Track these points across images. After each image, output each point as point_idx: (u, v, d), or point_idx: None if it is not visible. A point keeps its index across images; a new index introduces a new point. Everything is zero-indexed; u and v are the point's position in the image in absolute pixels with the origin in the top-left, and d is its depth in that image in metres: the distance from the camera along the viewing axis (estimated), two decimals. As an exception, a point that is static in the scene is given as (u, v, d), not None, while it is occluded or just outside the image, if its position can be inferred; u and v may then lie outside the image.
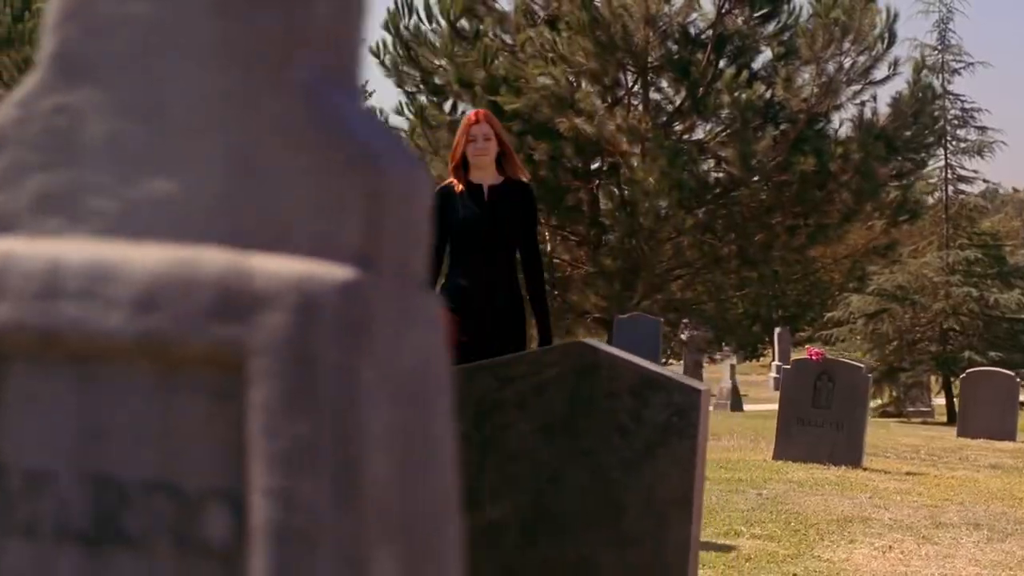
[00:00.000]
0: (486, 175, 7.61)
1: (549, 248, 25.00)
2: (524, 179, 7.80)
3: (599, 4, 22.67)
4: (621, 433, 4.92)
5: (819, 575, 7.48)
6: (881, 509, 9.93)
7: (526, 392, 4.92)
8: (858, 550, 8.31)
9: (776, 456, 12.86)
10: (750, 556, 7.85)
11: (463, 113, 24.28)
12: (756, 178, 23.29)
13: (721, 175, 23.71)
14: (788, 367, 12.77)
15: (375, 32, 25.02)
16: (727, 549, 8.07)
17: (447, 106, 24.68)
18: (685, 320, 28.30)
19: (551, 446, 4.92)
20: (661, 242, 23.39)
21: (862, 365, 13.15)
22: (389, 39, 24.82)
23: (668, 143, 22.52)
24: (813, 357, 12.92)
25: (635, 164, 22.68)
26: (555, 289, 24.76)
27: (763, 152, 22.71)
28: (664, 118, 23.83)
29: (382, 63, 24.93)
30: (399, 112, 24.91)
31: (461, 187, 7.56)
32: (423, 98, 24.74)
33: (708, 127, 24.07)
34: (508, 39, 24.03)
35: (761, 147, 22.65)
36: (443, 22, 24.12)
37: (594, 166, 24.14)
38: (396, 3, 25.04)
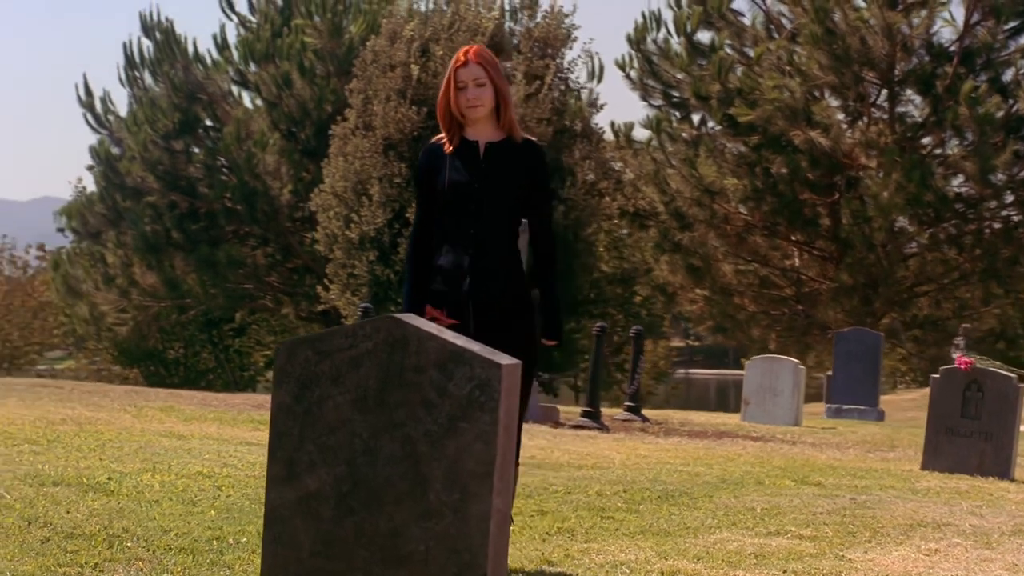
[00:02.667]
0: (483, 130, 6.16)
1: (796, 262, 24.79)
2: (532, 138, 6.28)
3: (836, 18, 22.41)
4: (427, 407, 5.03)
5: (820, 572, 7.35)
6: (973, 517, 9.65)
7: (343, 365, 5.06)
8: (896, 552, 8.13)
9: (924, 467, 12.55)
10: (765, 554, 7.74)
11: (702, 126, 24.31)
12: (997, 192, 22.65)
13: (963, 190, 23.16)
14: (937, 376, 12.45)
15: (621, 46, 25.21)
16: (750, 547, 7.98)
17: (695, 119, 24.74)
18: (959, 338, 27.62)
19: (365, 418, 5.05)
20: (900, 258, 22.95)
21: (1012, 375, 12.72)
22: (635, 53, 25.01)
23: (908, 157, 22.10)
24: (962, 366, 12.56)
25: (873, 178, 22.33)
26: (799, 303, 24.57)
27: (1004, 166, 22.10)
28: (909, 132, 23.39)
29: (628, 76, 25.13)
30: (645, 126, 25.02)
31: (453, 144, 6.15)
32: (664, 111, 24.85)
33: (954, 141, 23.53)
34: (745, 51, 23.94)
35: (1002, 161, 22.04)
36: (681, 36, 24.17)
37: (832, 180, 23.81)
38: (644, 17, 25.25)
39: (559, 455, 11.76)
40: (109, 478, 8.36)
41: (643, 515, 8.53)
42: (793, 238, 24.19)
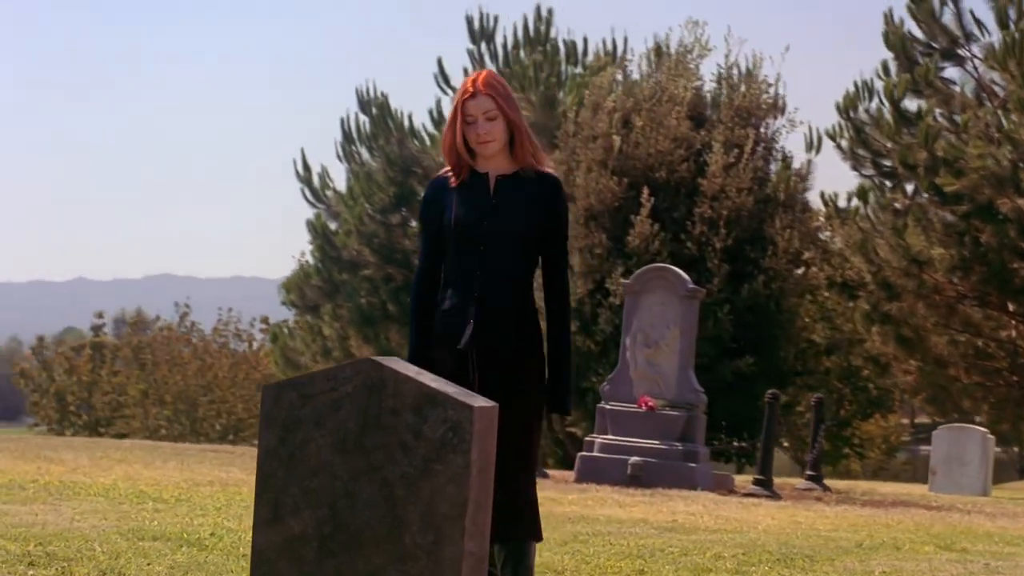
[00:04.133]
0: (495, 163, 5.69)
1: (1012, 333, 24.10)
2: (547, 170, 5.77)
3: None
4: (403, 449, 5.01)
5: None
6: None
7: (324, 408, 5.07)
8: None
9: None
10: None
11: (915, 195, 23.85)
12: None
13: None
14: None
15: (831, 115, 24.93)
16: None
17: (904, 188, 24.31)
18: None
19: (345, 461, 5.05)
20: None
21: None
22: (845, 122, 24.70)
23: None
24: None
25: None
26: (1015, 375, 23.88)
27: None
28: None
29: (838, 146, 24.83)
30: (855, 195, 24.62)
31: (460, 178, 5.72)
32: (873, 180, 24.48)
33: None
34: (953, 119, 23.45)
35: None
36: (889, 104, 23.79)
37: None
38: (855, 86, 24.95)
39: (706, 520, 11.58)
40: (212, 534, 8.46)
41: (746, 576, 8.36)
42: (1010, 307, 23.52)
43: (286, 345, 31.77)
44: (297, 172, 30.79)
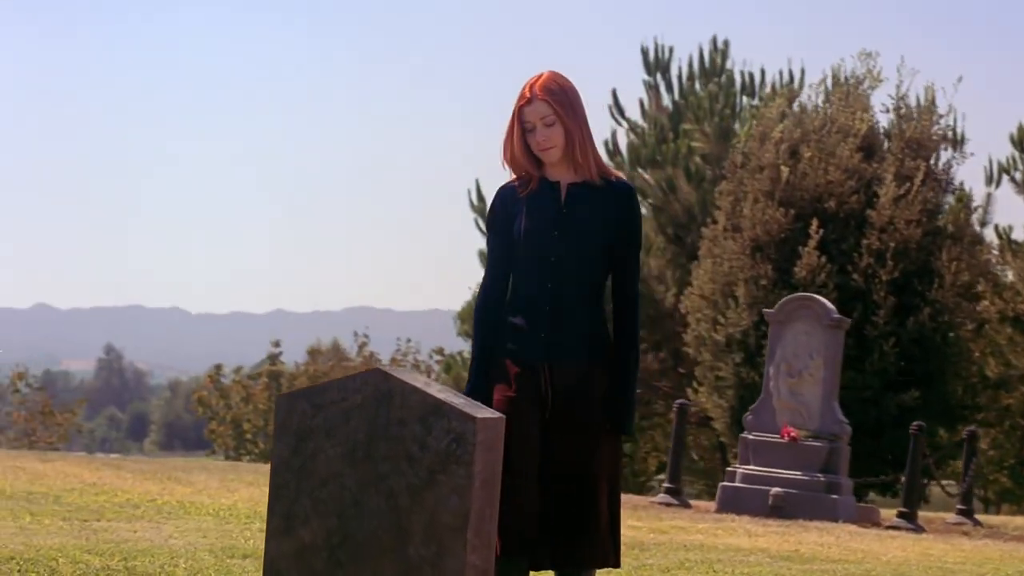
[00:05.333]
0: (563, 171, 5.47)
1: None
2: (620, 176, 5.58)
3: None
4: (409, 460, 5.01)
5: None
6: None
7: (335, 418, 5.09)
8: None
9: None
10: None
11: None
12: None
13: None
14: None
15: (1006, 147, 24.42)
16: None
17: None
18: None
19: (354, 472, 5.06)
20: None
21: None
22: (1019, 155, 24.19)
23: None
24: None
25: None
26: None
27: None
28: None
29: (1012, 179, 24.33)
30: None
31: (529, 187, 5.49)
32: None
33: None
34: None
35: None
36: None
37: None
38: (1032, 117, 24.43)
39: (831, 551, 11.38)
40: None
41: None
42: None
43: (459, 375, 31.92)
44: (471, 202, 30.95)
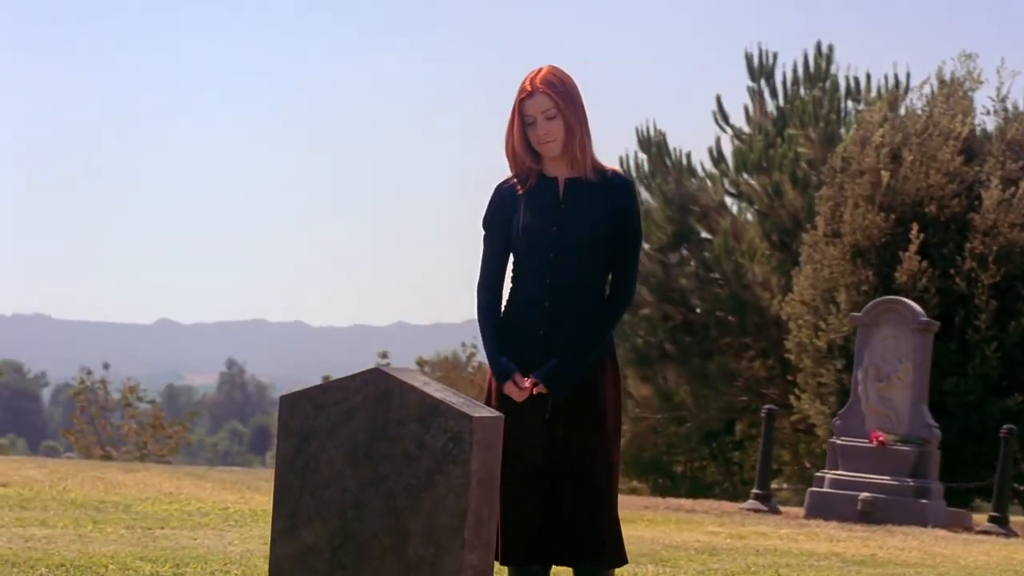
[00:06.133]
0: (562, 166, 5.43)
1: None
2: (618, 170, 5.52)
3: None
4: (408, 460, 5.00)
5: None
6: None
7: (336, 418, 5.09)
8: None
9: None
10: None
11: None
12: None
13: None
14: None
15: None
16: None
17: None
18: None
19: (355, 472, 5.06)
20: None
21: None
22: None
23: None
24: None
25: None
26: None
27: None
28: None
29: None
30: None
31: (528, 184, 5.43)
32: None
33: None
34: None
35: None
36: None
37: None
38: None
39: (910, 555, 11.25)
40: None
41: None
42: None
43: (566, 383, 31.86)
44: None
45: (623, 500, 18.95)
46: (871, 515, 14.38)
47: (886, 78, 29.57)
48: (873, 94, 29.39)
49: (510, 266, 5.58)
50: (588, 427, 5.39)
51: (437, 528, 4.91)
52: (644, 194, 30.64)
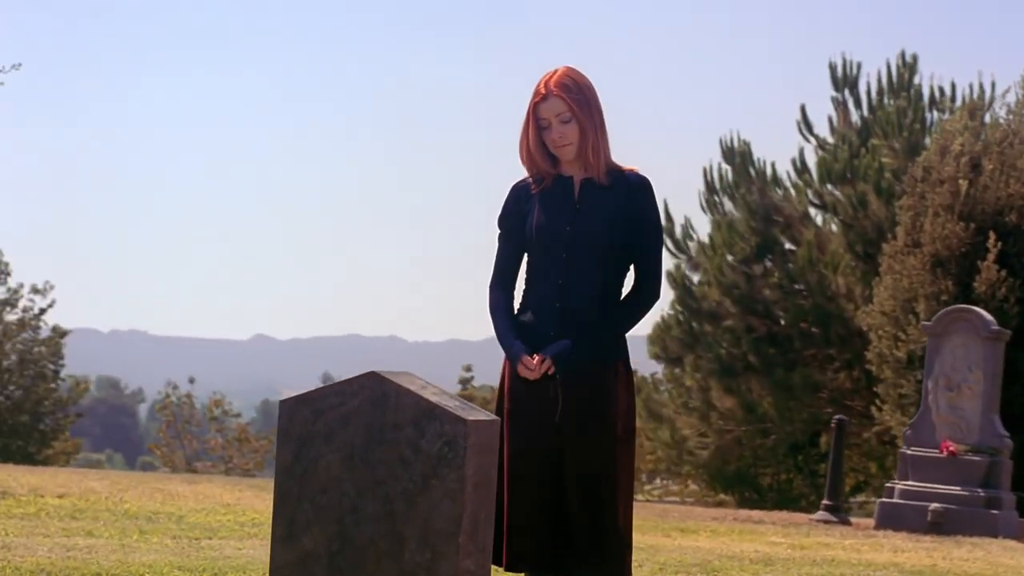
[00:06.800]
0: (578, 168, 5.38)
1: None
2: (636, 169, 5.42)
3: None
4: (404, 464, 4.97)
5: None
6: None
7: (334, 423, 5.07)
8: None
9: None
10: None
11: None
12: None
13: None
14: None
15: None
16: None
17: None
18: None
19: (352, 476, 5.04)
20: None
21: None
22: None
23: None
24: None
25: None
26: None
27: None
28: None
29: None
30: None
31: (543, 184, 5.39)
32: None
33: None
34: None
35: None
36: None
37: None
38: None
39: (973, 566, 11.10)
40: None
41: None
42: None
43: (649, 397, 31.75)
44: (661, 223, 30.82)
45: (693, 510, 18.90)
46: (941, 526, 14.19)
47: (971, 87, 29.26)
48: (957, 103, 29.11)
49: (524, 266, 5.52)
50: (597, 431, 5.29)
51: (433, 533, 4.88)
52: (727, 205, 30.53)
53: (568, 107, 5.28)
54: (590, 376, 5.31)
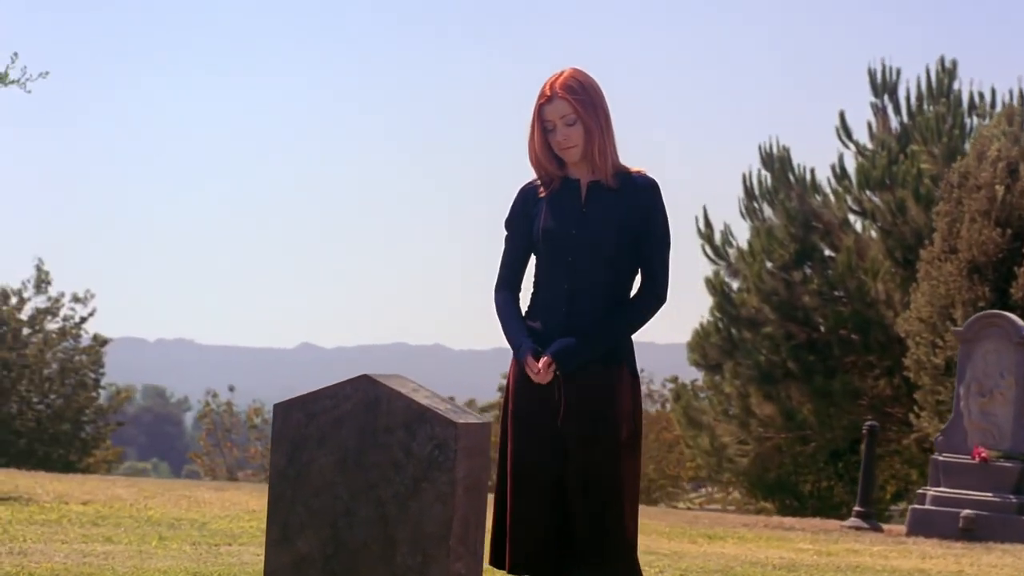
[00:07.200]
0: (585, 170, 5.34)
1: None
2: (643, 171, 5.37)
3: None
4: (396, 467, 4.98)
5: None
6: None
7: (327, 426, 5.08)
8: None
9: None
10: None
11: None
12: None
13: None
14: None
15: None
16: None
17: None
18: None
19: (345, 480, 5.05)
20: None
21: None
22: None
23: None
24: None
25: None
26: None
27: None
28: None
29: None
30: None
31: (551, 187, 5.35)
32: None
33: None
34: None
35: None
36: None
37: None
38: None
39: (1004, 572, 11.10)
40: None
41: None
42: None
43: (688, 404, 31.67)
44: (699, 229, 30.71)
45: (724, 517, 18.84)
46: (972, 532, 14.10)
47: (1010, 93, 29.09)
48: (997, 109, 28.94)
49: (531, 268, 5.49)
50: (600, 433, 5.23)
51: (424, 537, 4.88)
52: (767, 211, 30.41)
53: (573, 109, 5.24)
54: (593, 378, 5.26)
